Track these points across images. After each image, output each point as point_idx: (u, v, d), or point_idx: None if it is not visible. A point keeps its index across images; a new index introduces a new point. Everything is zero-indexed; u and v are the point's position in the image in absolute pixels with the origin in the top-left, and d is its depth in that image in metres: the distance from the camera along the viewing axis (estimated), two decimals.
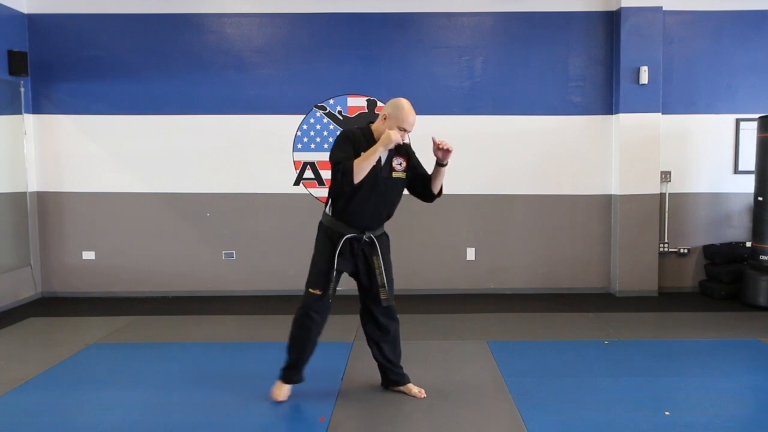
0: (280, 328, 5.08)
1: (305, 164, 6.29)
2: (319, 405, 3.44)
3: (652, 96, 6.08)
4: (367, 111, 6.22)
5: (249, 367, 4.05)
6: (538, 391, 3.62)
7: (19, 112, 6.09)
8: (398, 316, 3.59)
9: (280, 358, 4.24)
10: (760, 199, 5.71)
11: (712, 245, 6.28)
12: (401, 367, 3.63)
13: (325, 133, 6.25)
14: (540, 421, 3.21)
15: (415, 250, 6.33)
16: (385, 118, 3.33)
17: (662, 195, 6.28)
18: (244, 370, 4.02)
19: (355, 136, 3.33)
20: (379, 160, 3.31)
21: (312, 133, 6.27)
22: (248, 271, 6.37)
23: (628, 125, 6.10)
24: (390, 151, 3.35)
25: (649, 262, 6.20)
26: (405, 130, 3.31)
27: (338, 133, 3.39)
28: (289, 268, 6.37)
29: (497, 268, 6.39)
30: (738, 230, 6.36)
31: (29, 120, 6.23)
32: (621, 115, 6.10)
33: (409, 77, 6.22)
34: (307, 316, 3.42)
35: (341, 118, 6.24)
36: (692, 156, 6.32)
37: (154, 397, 3.61)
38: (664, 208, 6.30)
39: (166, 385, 3.77)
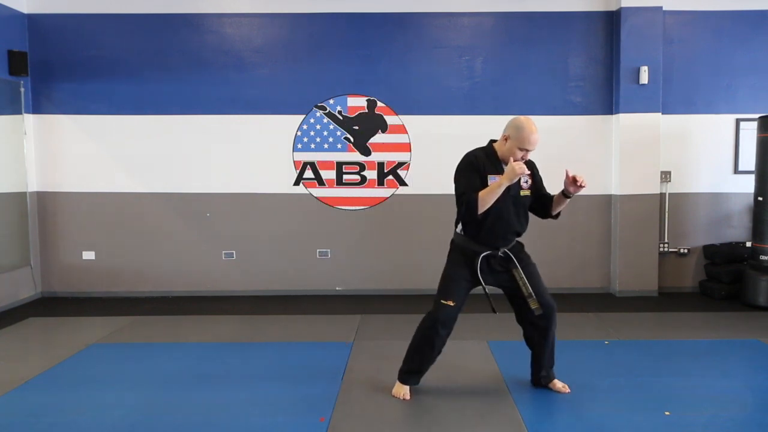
0: (279, 328, 5.11)
1: (305, 164, 6.29)
2: (319, 405, 3.44)
3: (652, 96, 6.08)
4: (367, 111, 6.22)
5: (249, 367, 4.05)
6: (538, 391, 3.63)
7: (19, 112, 6.09)
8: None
9: (281, 358, 4.25)
10: (760, 199, 5.71)
11: (712, 245, 6.28)
12: (550, 369, 3.67)
13: (325, 133, 6.25)
14: (540, 421, 3.21)
15: (415, 250, 6.33)
16: (506, 139, 3.34)
17: (662, 195, 6.28)
18: (244, 370, 4.02)
19: (478, 160, 3.37)
20: None
21: (312, 133, 6.27)
22: (248, 271, 6.37)
23: (628, 125, 6.10)
24: None
25: (649, 262, 6.20)
26: (527, 150, 3.32)
27: (463, 156, 3.47)
28: (289, 268, 6.37)
29: None
30: (738, 230, 6.35)
31: (29, 120, 6.23)
32: (621, 115, 6.10)
33: (409, 77, 6.22)
34: (434, 329, 3.44)
35: (341, 118, 6.24)
36: (692, 156, 6.32)
37: (154, 397, 3.61)
38: (664, 208, 6.30)
39: (166, 385, 3.77)
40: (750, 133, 6.12)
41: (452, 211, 6.52)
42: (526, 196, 3.48)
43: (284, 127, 6.26)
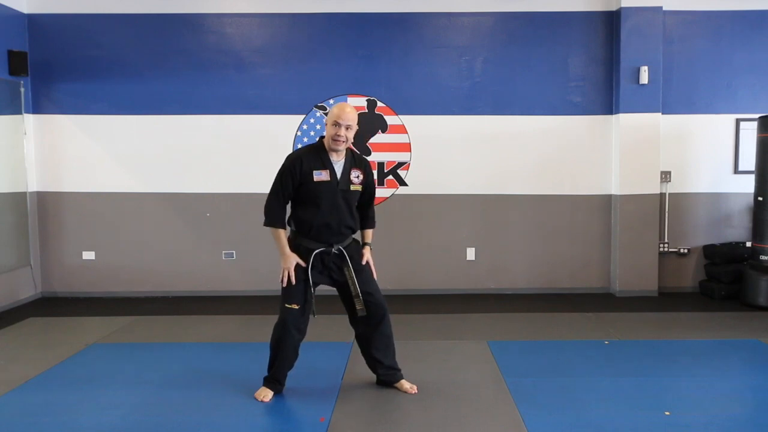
0: None
1: None
2: (319, 405, 3.44)
3: (652, 96, 6.08)
4: (367, 111, 6.22)
5: (249, 367, 4.04)
6: (538, 391, 3.63)
7: (19, 112, 6.09)
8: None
9: None
10: (760, 199, 5.71)
11: (712, 245, 6.28)
12: (393, 367, 3.66)
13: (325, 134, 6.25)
14: (540, 421, 3.21)
15: (415, 250, 6.33)
16: (327, 125, 3.46)
17: (662, 195, 6.28)
18: (244, 370, 4.02)
19: (301, 160, 3.40)
20: (335, 173, 3.43)
21: (312, 133, 6.27)
22: (248, 271, 6.37)
23: (628, 125, 6.10)
24: (348, 163, 3.47)
25: (649, 262, 6.20)
26: (340, 124, 3.38)
27: (288, 155, 3.54)
28: None
29: (497, 268, 6.39)
30: (738, 230, 6.35)
31: (29, 120, 6.23)
32: (621, 115, 6.10)
33: (409, 77, 6.22)
34: (286, 332, 3.46)
35: None
36: (692, 156, 6.32)
37: (154, 397, 3.61)
38: (664, 208, 6.30)
39: (166, 385, 3.77)
40: (750, 133, 6.12)
41: (453, 211, 6.55)
42: (356, 191, 3.51)
43: (284, 127, 6.26)
